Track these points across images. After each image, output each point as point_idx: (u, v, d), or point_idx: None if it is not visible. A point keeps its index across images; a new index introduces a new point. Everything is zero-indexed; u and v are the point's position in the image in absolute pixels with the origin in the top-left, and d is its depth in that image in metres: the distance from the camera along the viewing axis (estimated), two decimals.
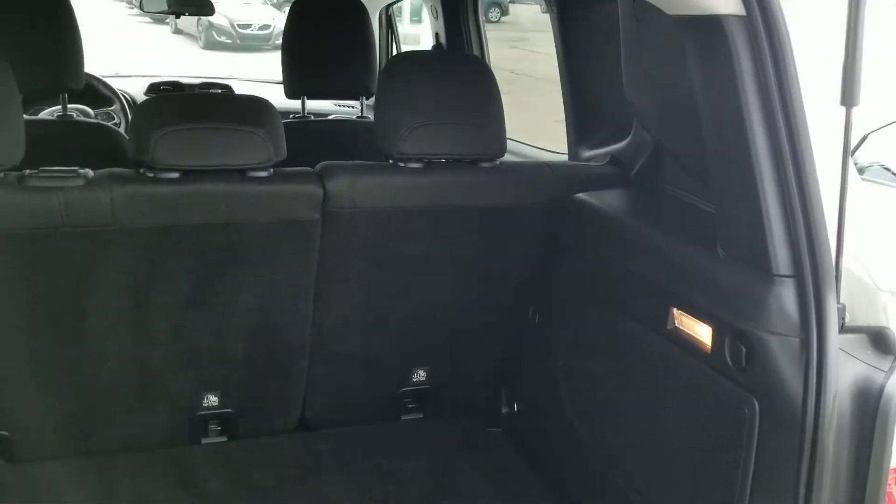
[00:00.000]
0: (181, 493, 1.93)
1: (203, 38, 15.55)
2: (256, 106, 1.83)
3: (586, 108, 2.30)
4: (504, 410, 2.28)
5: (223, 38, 15.40)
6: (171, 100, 1.90)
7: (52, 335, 1.81)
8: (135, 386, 1.95)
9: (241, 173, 1.78)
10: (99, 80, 3.48)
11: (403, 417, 2.29)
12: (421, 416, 2.30)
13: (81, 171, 1.70)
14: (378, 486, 2.00)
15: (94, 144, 2.52)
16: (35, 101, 3.38)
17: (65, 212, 1.65)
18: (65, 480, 1.92)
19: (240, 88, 4.26)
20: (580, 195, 1.94)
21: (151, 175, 1.72)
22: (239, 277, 1.89)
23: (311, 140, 2.54)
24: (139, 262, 1.78)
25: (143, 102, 1.84)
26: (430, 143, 1.87)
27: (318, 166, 1.88)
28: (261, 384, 2.09)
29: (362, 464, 2.09)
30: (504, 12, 15.30)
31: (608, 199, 1.92)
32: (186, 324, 1.91)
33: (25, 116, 3.31)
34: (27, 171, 1.65)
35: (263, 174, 1.80)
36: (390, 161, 1.90)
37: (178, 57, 12.63)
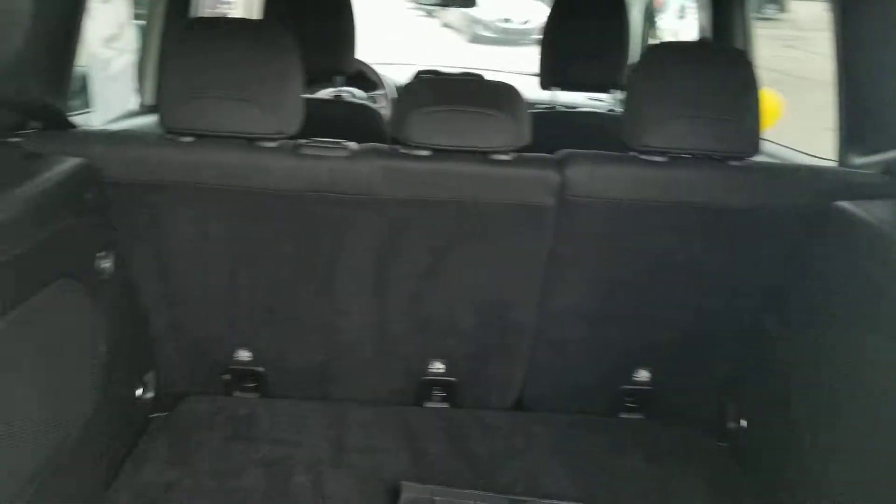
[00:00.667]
0: (402, 448, 2.07)
1: (468, 31, 16.19)
2: (504, 92, 1.90)
3: (862, 110, 2.10)
4: (730, 425, 2.17)
5: (486, 33, 15.93)
6: (429, 83, 2.02)
7: (308, 288, 2.01)
8: (372, 344, 2.12)
9: (484, 155, 1.87)
10: (368, 67, 3.79)
11: (622, 415, 2.26)
12: (641, 416, 2.26)
13: (346, 143, 1.87)
14: (588, 476, 2.00)
15: (359, 122, 2.76)
16: (316, 82, 3.76)
17: (330, 179, 1.84)
18: (305, 419, 2.14)
19: (495, 78, 4.42)
20: (842, 203, 1.79)
21: (405, 151, 1.86)
22: (473, 254, 1.98)
23: (556, 129, 2.58)
24: (387, 230, 1.93)
25: (406, 84, 1.99)
26: (676, 136, 1.82)
27: (557, 153, 1.91)
28: (484, 358, 2.17)
29: (575, 452, 2.10)
30: (782, 8, 14.26)
31: (875, 211, 1.75)
32: (422, 292, 2.04)
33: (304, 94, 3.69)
34: (301, 141, 1.86)
35: (505, 157, 1.87)
36: (632, 153, 1.88)
37: (446, 48, 13.29)
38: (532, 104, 3.25)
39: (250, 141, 1.83)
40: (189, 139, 1.81)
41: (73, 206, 1.66)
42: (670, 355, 2.16)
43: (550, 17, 2.94)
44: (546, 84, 2.95)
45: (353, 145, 1.88)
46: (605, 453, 2.11)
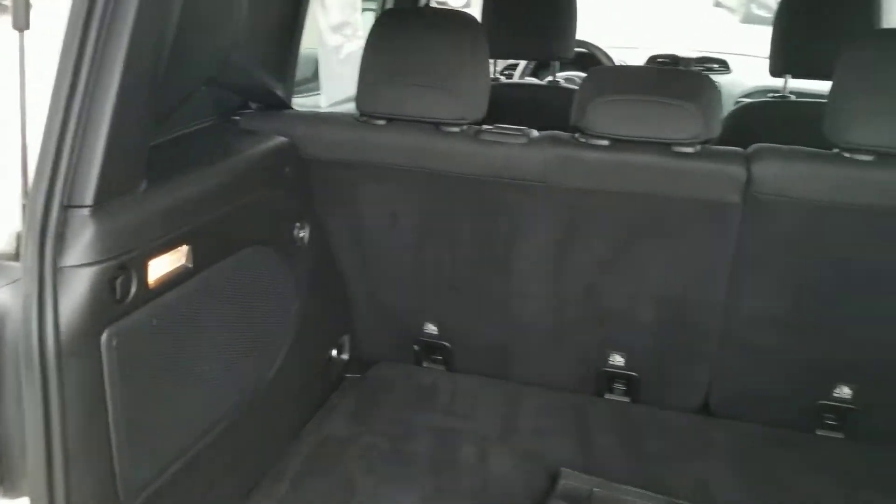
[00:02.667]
0: (573, 435, 2.07)
1: (742, 11, 15.15)
2: (694, 81, 1.81)
3: None
4: None
5: (762, 12, 14.78)
6: (614, 71, 1.98)
7: (489, 268, 2.08)
8: (549, 330, 2.14)
9: (667, 147, 1.80)
10: (602, 51, 3.75)
11: (818, 432, 2.07)
12: (841, 436, 2.05)
13: (528, 130, 1.90)
14: (768, 492, 1.87)
15: (560, 108, 2.76)
16: (544, 68, 3.81)
17: (505, 164, 1.89)
18: (483, 395, 2.23)
19: (741, 64, 4.14)
20: None
21: (584, 140, 1.85)
22: (652, 248, 1.92)
23: (772, 121, 2.39)
24: (562, 218, 1.93)
25: (590, 71, 1.97)
26: (884, 132, 1.62)
27: (749, 147, 1.78)
28: (665, 356, 2.10)
29: (756, 465, 1.97)
30: None
31: None
32: (598, 283, 2.02)
33: (516, 80, 3.74)
34: (484, 126, 1.92)
35: (689, 150, 1.78)
36: (835, 150, 1.71)
37: (715, 29, 12.57)
38: (768, 91, 3.03)
39: (436, 125, 1.92)
40: (381, 122, 1.95)
41: (273, 179, 1.87)
42: (877, 372, 1.93)
43: None
44: (776, 71, 2.72)
45: (533, 132, 1.91)
46: (791, 470, 1.95)
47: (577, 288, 2.04)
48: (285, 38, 2.18)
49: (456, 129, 1.92)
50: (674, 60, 3.82)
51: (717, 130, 1.78)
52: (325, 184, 2.06)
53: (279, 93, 2.14)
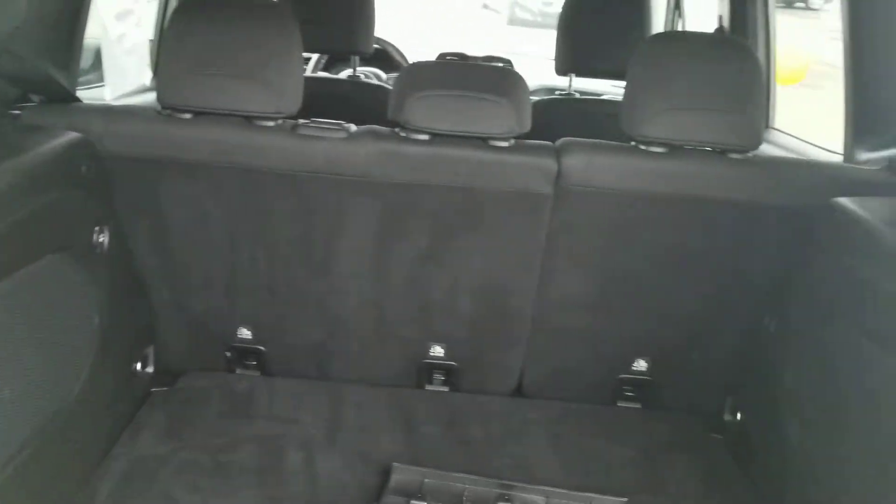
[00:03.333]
0: (399, 428, 2.09)
1: (508, 13, 16.04)
2: (506, 77, 1.89)
3: (870, 105, 2.06)
4: (727, 418, 2.16)
5: (526, 15, 15.77)
6: (428, 67, 2.02)
7: (307, 267, 2.04)
8: (371, 326, 2.14)
9: (483, 141, 1.86)
10: (395, 48, 3.80)
11: (620, 404, 2.26)
12: (638, 406, 2.25)
13: (346, 125, 1.88)
14: (582, 463, 2.01)
15: (370, 104, 2.76)
16: (339, 62, 3.78)
17: (326, 160, 1.85)
18: (303, 398, 2.18)
19: (522, 63, 4.37)
20: (841, 199, 1.75)
21: (404, 135, 1.87)
22: (472, 240, 1.98)
23: (571, 117, 2.56)
24: (384, 213, 1.94)
25: (406, 67, 1.99)
26: (677, 127, 1.80)
27: (558, 142, 1.90)
28: (483, 344, 2.18)
29: (569, 439, 2.10)
30: None
31: (875, 208, 1.72)
32: (420, 276, 2.05)
33: (320, 74, 3.70)
34: (300, 121, 1.87)
35: (504, 144, 1.86)
36: (633, 143, 1.86)
37: (485, 30, 13.17)
38: (551, 90, 3.23)
39: (248, 119, 1.84)
40: (186, 116, 1.84)
41: (68, 180, 1.69)
42: (669, 347, 2.14)
43: (567, 2, 2.91)
44: (561, 69, 2.92)
45: (352, 127, 1.89)
46: (599, 442, 2.11)
47: (398, 282, 2.06)
48: (68, 25, 1.98)
49: (270, 124, 1.85)
50: (462, 58, 3.96)
51: (528, 125, 1.87)
52: (127, 183, 1.90)
53: (64, 84, 1.94)
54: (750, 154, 1.86)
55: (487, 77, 1.91)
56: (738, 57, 1.88)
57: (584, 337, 2.15)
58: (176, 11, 1.85)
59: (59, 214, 1.65)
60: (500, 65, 3.71)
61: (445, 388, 2.27)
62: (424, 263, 2.02)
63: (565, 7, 2.94)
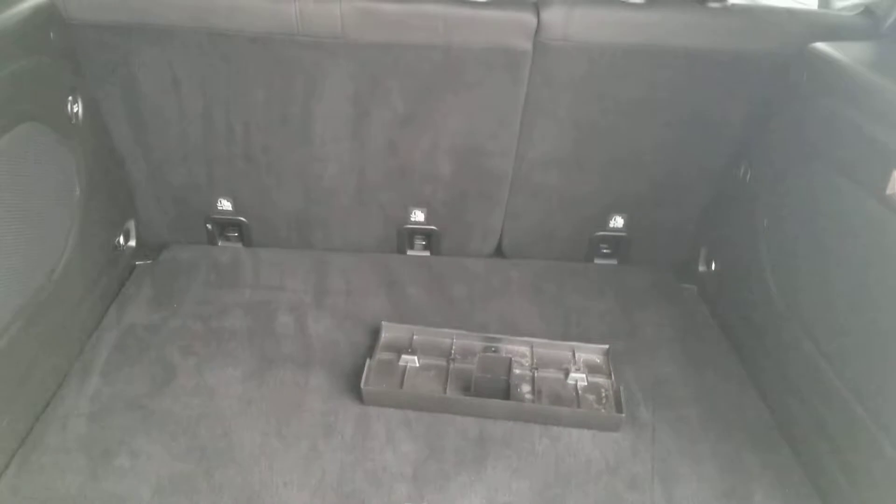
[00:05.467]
0: (384, 291, 2.14)
1: None
2: None
3: None
4: (701, 268, 2.24)
5: None
6: None
7: (284, 134, 2.01)
8: (351, 192, 2.14)
9: None
10: None
11: (597, 261, 2.33)
12: (615, 262, 2.32)
13: None
14: (561, 316, 2.09)
15: None
16: None
17: (299, 20, 1.80)
18: (288, 266, 2.20)
19: None
20: (818, 44, 1.77)
21: None
22: (451, 100, 1.97)
23: None
24: (361, 75, 1.91)
25: None
26: None
27: None
28: (463, 206, 2.21)
29: (549, 295, 2.18)
30: None
31: (850, 51, 1.73)
32: (399, 139, 2.04)
33: None
34: None
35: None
36: None
37: None
38: None
39: None
40: None
41: (36, 48, 1.63)
42: (644, 201, 2.19)
43: None
44: None
45: None
46: (578, 296, 2.18)
47: (378, 147, 2.05)
48: None
49: None
50: None
51: None
52: (95, 51, 1.83)
53: None
54: (728, 2, 1.85)
55: None
56: None
57: (561, 195, 2.18)
58: None
59: (29, 82, 1.60)
60: None
61: (426, 253, 2.32)
62: (403, 126, 2.01)
63: None
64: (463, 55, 1.88)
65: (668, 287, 2.25)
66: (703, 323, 2.11)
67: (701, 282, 2.24)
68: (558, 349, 1.93)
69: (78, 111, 1.78)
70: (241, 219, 2.21)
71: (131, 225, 2.14)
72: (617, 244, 2.30)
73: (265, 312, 2.01)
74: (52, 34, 1.68)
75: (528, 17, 1.83)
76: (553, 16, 1.83)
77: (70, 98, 1.75)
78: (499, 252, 2.33)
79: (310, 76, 1.91)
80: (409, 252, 2.31)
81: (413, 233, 2.27)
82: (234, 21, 1.80)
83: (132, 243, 2.15)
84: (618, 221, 2.24)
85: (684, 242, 2.27)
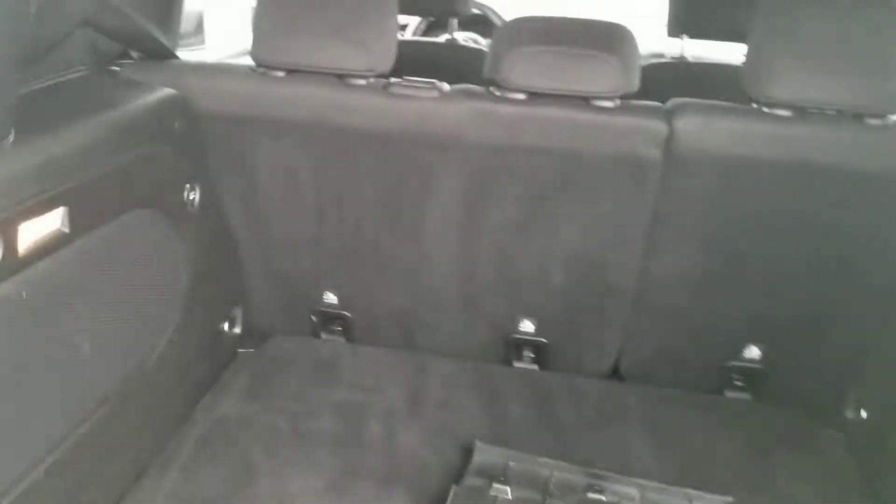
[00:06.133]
0: (483, 406, 1.99)
1: None
2: (613, 32, 1.73)
3: None
4: (848, 414, 1.94)
5: None
6: (527, 21, 1.88)
7: (394, 230, 1.95)
8: (458, 295, 2.04)
9: (585, 101, 1.72)
10: (494, 13, 3.66)
11: (728, 394, 2.08)
12: (748, 397, 2.07)
13: (439, 84, 1.78)
14: (681, 456, 1.85)
15: (466, 66, 2.65)
16: (437, 27, 3.68)
17: (418, 120, 1.75)
18: (387, 366, 2.11)
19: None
20: None
21: (499, 94, 1.75)
22: (569, 208, 1.85)
23: (681, 82, 2.37)
24: (475, 177, 1.83)
25: (506, 23, 1.86)
26: (804, 87, 1.61)
27: (668, 102, 1.73)
28: (577, 321, 2.05)
29: (668, 428, 1.95)
30: None
31: None
32: (510, 246, 1.93)
33: (418, 38, 3.61)
34: (392, 80, 1.78)
35: (608, 104, 1.71)
36: (753, 105, 1.68)
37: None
38: (660, 55, 3.02)
39: (340, 77, 1.77)
40: (279, 73, 1.78)
41: (161, 136, 1.66)
42: (785, 332, 1.95)
43: None
44: (674, 31, 2.71)
45: (444, 86, 1.78)
46: (702, 434, 1.94)
47: (489, 251, 1.95)
48: None
49: (362, 82, 1.77)
50: None
51: (636, 84, 1.72)
52: (219, 141, 1.86)
53: (164, 41, 1.92)
54: (890, 119, 1.64)
55: (591, 31, 1.76)
56: (882, 8, 1.65)
57: (689, 318, 1.98)
58: None
59: (151, 169, 1.62)
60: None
61: (535, 367, 2.15)
62: (516, 231, 1.90)
63: None
64: (584, 162, 1.76)
65: (810, 432, 1.96)
66: (847, 480, 1.81)
67: (850, 430, 1.94)
68: (673, 496, 1.69)
69: (195, 199, 1.79)
70: (346, 313, 2.15)
71: (238, 312, 2.13)
72: (751, 377, 2.04)
73: (356, 416, 1.91)
74: (177, 124, 1.72)
75: (660, 126, 1.69)
76: (688, 125, 1.68)
77: (188, 186, 1.77)
78: (615, 374, 2.14)
79: (423, 175, 1.85)
80: (516, 364, 2.16)
81: (521, 344, 2.13)
82: (352, 118, 1.78)
83: (237, 330, 2.13)
84: (753, 351, 2.00)
85: (831, 382, 1.99)
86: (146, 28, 1.86)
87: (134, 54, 1.89)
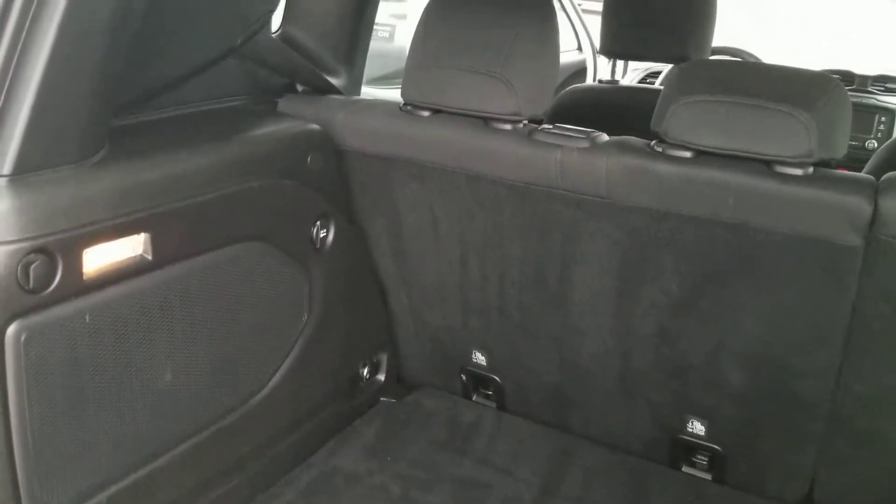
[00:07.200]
0: None
1: None
2: (811, 83, 1.37)
3: None
4: None
5: None
6: (705, 65, 1.57)
7: (539, 294, 1.73)
8: (614, 378, 1.76)
9: (768, 165, 1.38)
10: (751, 55, 3.25)
11: None
12: None
13: (594, 133, 1.54)
14: None
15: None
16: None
17: (560, 172, 1.53)
18: (529, 444, 1.89)
19: None
20: None
21: (660, 150, 1.46)
22: (742, 293, 1.50)
23: None
24: (628, 244, 1.55)
25: (681, 66, 1.56)
26: None
27: (883, 177, 1.33)
28: (757, 430, 1.66)
29: None
30: None
31: None
32: (673, 328, 1.61)
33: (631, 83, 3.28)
34: (541, 126, 1.58)
35: (797, 172, 1.35)
36: None
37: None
38: None
39: (486, 121, 1.61)
40: (425, 113, 1.67)
41: (287, 170, 1.62)
42: None
43: None
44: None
45: (601, 137, 1.54)
46: None
47: (646, 332, 1.65)
48: (352, 20, 1.96)
49: (508, 127, 1.59)
50: (847, 77, 3.21)
51: (839, 150, 1.34)
52: (363, 179, 1.80)
53: (338, 78, 1.92)
54: None
55: (783, 81, 1.41)
56: None
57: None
58: (430, 3, 1.68)
59: (273, 203, 1.59)
60: (878, 88, 2.93)
61: (706, 476, 1.79)
62: (679, 313, 1.59)
63: None
64: (761, 239, 1.41)
65: None
66: None
67: None
68: None
69: (327, 236, 1.74)
70: (495, 377, 1.96)
71: (383, 358, 2.04)
72: None
73: (476, 497, 1.71)
74: (310, 158, 1.67)
75: (859, 203, 1.30)
76: None
77: (319, 222, 1.72)
78: (810, 500, 1.70)
79: (569, 236, 1.61)
80: (685, 469, 1.81)
81: (690, 448, 1.78)
82: (492, 165, 1.61)
83: (380, 377, 2.04)
84: None
85: None
86: (319, 63, 1.87)
87: (300, 88, 1.90)
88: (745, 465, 1.73)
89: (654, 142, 1.48)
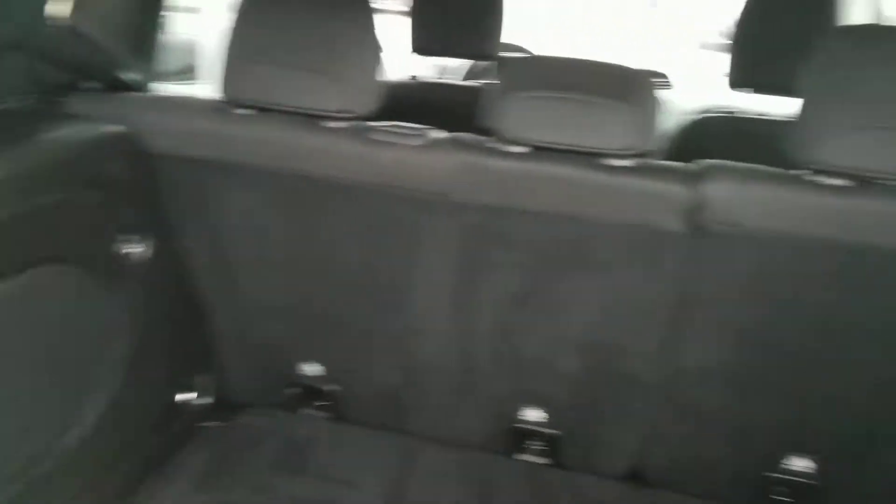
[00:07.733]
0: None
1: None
2: (631, 79, 1.45)
3: None
4: None
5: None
6: (533, 62, 1.62)
7: (376, 299, 1.69)
8: (452, 375, 1.75)
9: (597, 158, 1.43)
10: (526, 51, 3.45)
11: None
12: None
13: (428, 130, 1.52)
14: None
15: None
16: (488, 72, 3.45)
17: (398, 171, 1.50)
18: (369, 452, 1.83)
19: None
20: None
21: (495, 146, 1.47)
22: (577, 283, 1.55)
23: (722, 141, 2.07)
24: (467, 241, 1.55)
25: (509, 62, 1.58)
26: (867, 154, 1.29)
27: (697, 163, 1.43)
28: (590, 413, 1.74)
29: None
30: None
31: None
32: (512, 322, 1.64)
33: (435, 79, 3.36)
34: (373, 123, 1.53)
35: (624, 163, 1.42)
36: (803, 172, 1.36)
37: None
38: (708, 109, 2.70)
39: (315, 119, 1.53)
40: (246, 112, 1.55)
41: (88, 180, 1.43)
42: (841, 442, 1.60)
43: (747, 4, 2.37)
44: (735, 83, 2.35)
45: (433, 133, 1.52)
46: None
47: (486, 326, 1.66)
48: (144, 11, 1.77)
49: (340, 125, 1.52)
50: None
51: (655, 141, 1.42)
52: (177, 187, 1.63)
53: (132, 74, 1.72)
54: None
55: (606, 77, 1.47)
56: None
57: (721, 419, 1.65)
58: None
59: (71, 218, 1.39)
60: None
61: (542, 460, 1.84)
62: (518, 307, 1.61)
63: (743, 11, 2.39)
64: (595, 230, 1.47)
65: None
66: None
67: None
68: None
69: (136, 252, 1.56)
70: (328, 388, 1.88)
71: (206, 381, 1.88)
72: (802, 492, 1.69)
73: None
74: (111, 165, 1.49)
75: (682, 192, 1.39)
76: (718, 192, 1.38)
77: (129, 237, 1.54)
78: (634, 476, 1.81)
79: (407, 236, 1.58)
80: (518, 457, 1.85)
81: (526, 435, 1.82)
82: (325, 166, 1.53)
83: (201, 401, 1.88)
84: (800, 464, 1.65)
85: None
86: (110, 58, 1.67)
87: (94, 85, 1.69)
88: (581, 447, 1.80)
89: (489, 138, 1.49)
